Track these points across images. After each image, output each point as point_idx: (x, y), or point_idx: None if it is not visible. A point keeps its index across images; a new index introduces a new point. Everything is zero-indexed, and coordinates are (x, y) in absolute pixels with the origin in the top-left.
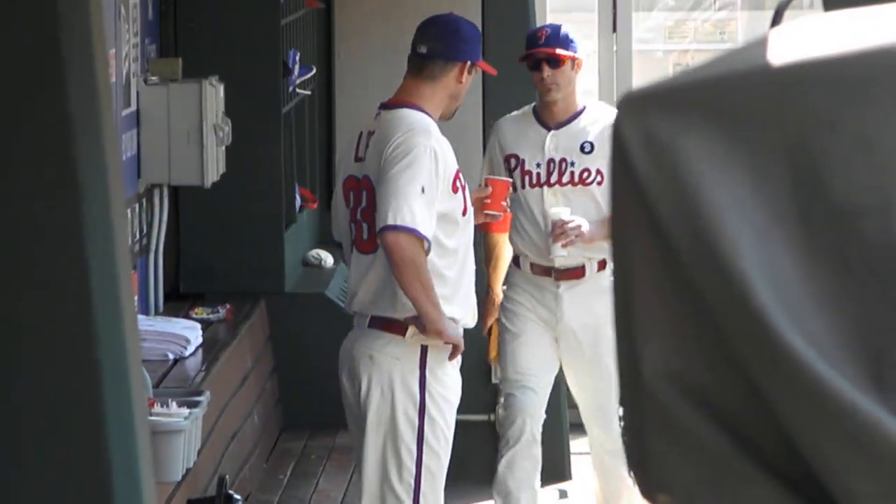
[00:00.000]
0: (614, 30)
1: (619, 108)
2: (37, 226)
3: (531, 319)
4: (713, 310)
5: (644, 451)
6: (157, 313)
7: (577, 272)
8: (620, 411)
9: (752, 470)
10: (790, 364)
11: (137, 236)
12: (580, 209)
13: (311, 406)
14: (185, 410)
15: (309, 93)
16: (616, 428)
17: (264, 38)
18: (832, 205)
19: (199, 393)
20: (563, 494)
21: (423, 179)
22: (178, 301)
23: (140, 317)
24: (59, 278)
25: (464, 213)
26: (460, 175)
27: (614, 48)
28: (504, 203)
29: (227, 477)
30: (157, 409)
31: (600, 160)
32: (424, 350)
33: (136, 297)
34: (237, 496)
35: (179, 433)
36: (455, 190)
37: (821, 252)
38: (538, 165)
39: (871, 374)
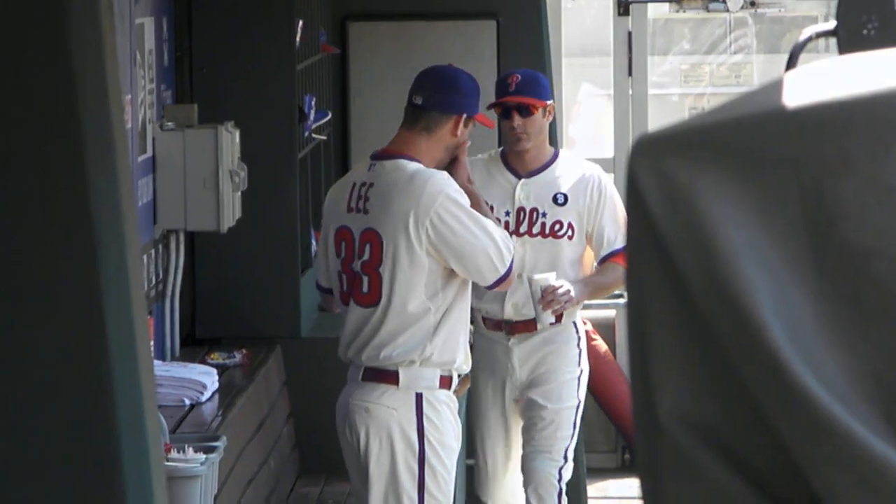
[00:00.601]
0: (630, 73)
1: (633, 150)
2: (54, 271)
3: (486, 386)
4: (728, 352)
5: (659, 495)
6: (173, 358)
7: (530, 325)
8: (635, 453)
9: None
10: (805, 407)
11: (154, 282)
12: (546, 262)
13: (327, 452)
14: (202, 456)
15: (325, 137)
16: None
17: (280, 84)
18: (845, 247)
19: (216, 438)
20: None
21: (477, 219)
22: (194, 346)
23: (156, 362)
24: (76, 324)
25: None
26: None
27: (630, 92)
28: None
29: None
30: (173, 454)
31: (573, 213)
32: (420, 398)
33: (152, 343)
34: None
35: (196, 479)
36: None
37: (834, 294)
38: (507, 214)
39: (886, 415)
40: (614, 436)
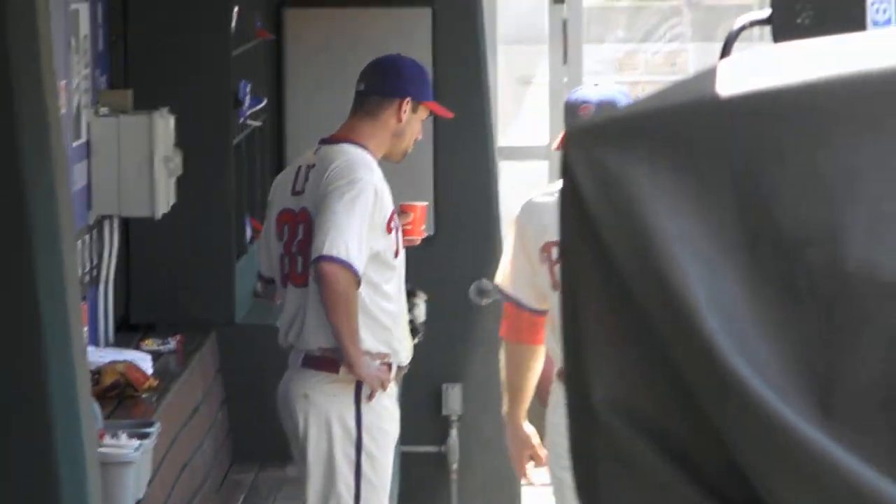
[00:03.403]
0: (565, 61)
1: (567, 139)
2: None
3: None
4: (662, 339)
5: (592, 479)
6: (107, 344)
7: None
8: (569, 440)
9: (698, 497)
10: (737, 392)
11: (88, 267)
12: None
13: (261, 438)
14: (136, 442)
15: (260, 124)
16: None
17: (215, 70)
18: (779, 234)
19: (150, 424)
20: None
21: (363, 215)
22: (128, 332)
23: (90, 348)
24: (9, 309)
25: (395, 256)
26: (395, 216)
27: (565, 79)
28: (423, 228)
29: None
30: (107, 440)
31: None
32: (359, 386)
33: (86, 328)
34: None
35: (129, 465)
36: (389, 230)
37: (768, 281)
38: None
39: (817, 401)
40: None
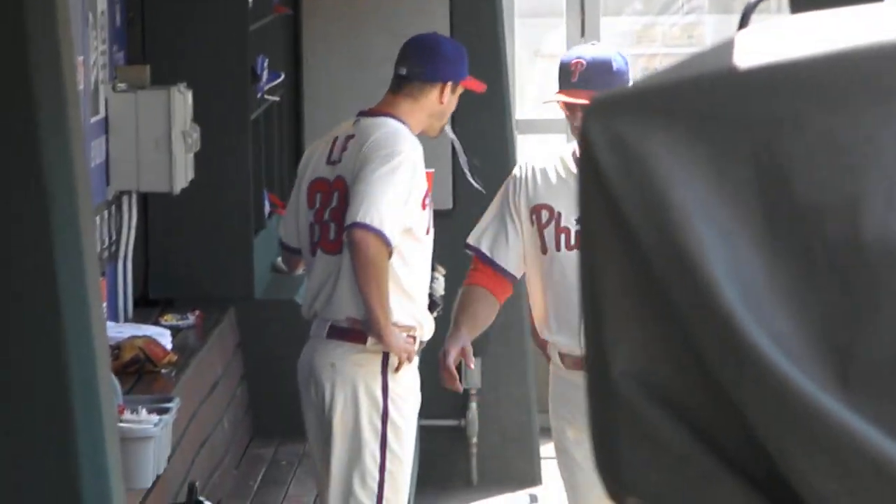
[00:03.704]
0: (582, 34)
1: (587, 112)
2: (4, 232)
3: (576, 444)
4: (680, 310)
5: (612, 452)
6: (126, 320)
7: None
8: (589, 412)
9: (718, 469)
10: (756, 364)
11: (106, 243)
12: None
13: (281, 413)
14: (155, 417)
15: (277, 98)
16: None
17: (232, 45)
18: (797, 205)
19: (169, 399)
20: (533, 499)
21: (400, 188)
22: (147, 307)
23: (109, 323)
24: (28, 285)
25: (427, 232)
26: (429, 194)
27: None
28: (427, 200)
29: (198, 483)
30: (126, 415)
31: None
32: (386, 356)
33: (105, 304)
34: (208, 502)
35: (149, 440)
36: (423, 207)
37: (786, 251)
38: (579, 222)
39: (836, 372)
40: None
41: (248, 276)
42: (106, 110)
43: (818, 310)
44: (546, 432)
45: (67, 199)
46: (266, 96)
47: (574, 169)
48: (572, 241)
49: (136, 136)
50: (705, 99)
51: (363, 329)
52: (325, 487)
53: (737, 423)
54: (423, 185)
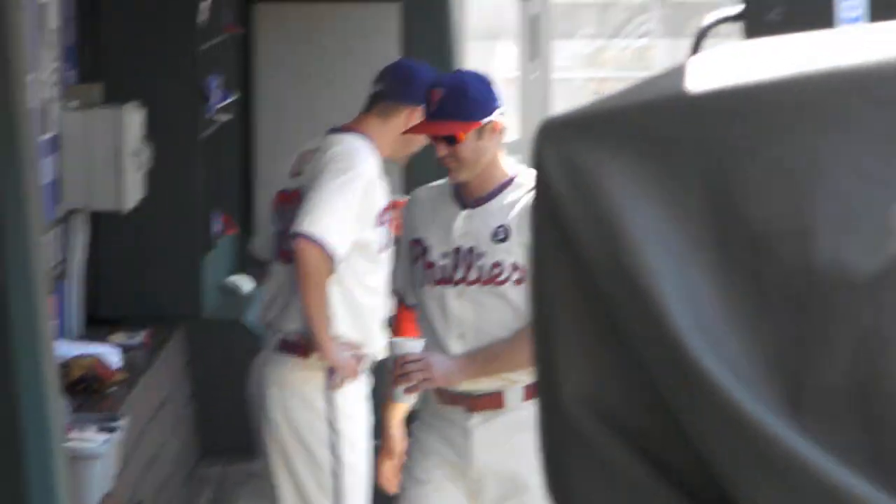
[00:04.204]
0: (533, 58)
1: (538, 135)
2: None
3: (438, 465)
4: (631, 336)
5: (562, 478)
6: (75, 338)
7: (494, 400)
8: (538, 436)
9: (668, 495)
10: (706, 388)
11: (57, 261)
12: (492, 317)
13: (229, 432)
14: (103, 436)
15: (231, 116)
16: None
17: (182, 64)
18: (749, 230)
19: (116, 418)
20: None
21: (351, 201)
22: (96, 325)
23: (58, 341)
24: None
25: (380, 251)
26: (386, 214)
27: (534, 75)
28: (385, 218)
29: (144, 503)
30: (74, 434)
31: (516, 250)
32: (331, 371)
33: (55, 322)
34: None
35: (96, 459)
36: (378, 224)
37: (738, 277)
38: (444, 256)
39: (788, 398)
40: None
41: (197, 294)
42: (58, 128)
43: (770, 335)
44: None
45: (18, 217)
46: (219, 115)
47: (448, 194)
48: (436, 277)
49: (87, 155)
50: (657, 124)
51: (309, 343)
52: (278, 495)
53: (688, 447)
54: (379, 202)
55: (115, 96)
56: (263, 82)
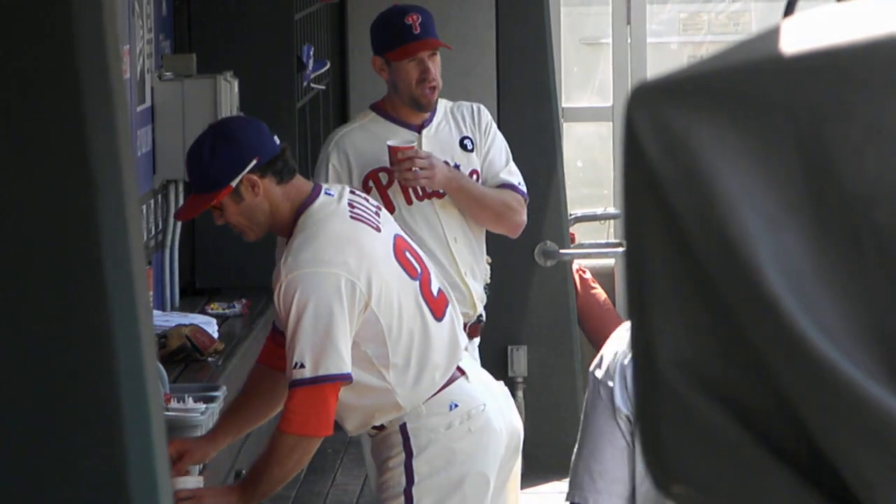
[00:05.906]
0: (628, 22)
1: (631, 99)
2: (51, 223)
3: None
4: (726, 300)
5: (657, 441)
6: (172, 308)
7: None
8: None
9: (766, 459)
10: (804, 353)
11: (153, 232)
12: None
13: None
14: (202, 405)
15: (324, 87)
16: None
17: (278, 33)
18: (844, 193)
19: (216, 388)
20: None
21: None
22: (194, 296)
23: (156, 312)
24: (74, 275)
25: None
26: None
27: (628, 40)
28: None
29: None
30: (173, 404)
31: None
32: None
33: (151, 293)
34: None
35: (196, 428)
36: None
37: (833, 240)
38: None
39: (885, 361)
40: None
41: None
42: (152, 99)
43: (866, 298)
44: None
45: (114, 189)
46: (312, 85)
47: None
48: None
49: (182, 125)
50: (751, 86)
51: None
52: None
53: (785, 412)
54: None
55: (210, 66)
56: (357, 52)
